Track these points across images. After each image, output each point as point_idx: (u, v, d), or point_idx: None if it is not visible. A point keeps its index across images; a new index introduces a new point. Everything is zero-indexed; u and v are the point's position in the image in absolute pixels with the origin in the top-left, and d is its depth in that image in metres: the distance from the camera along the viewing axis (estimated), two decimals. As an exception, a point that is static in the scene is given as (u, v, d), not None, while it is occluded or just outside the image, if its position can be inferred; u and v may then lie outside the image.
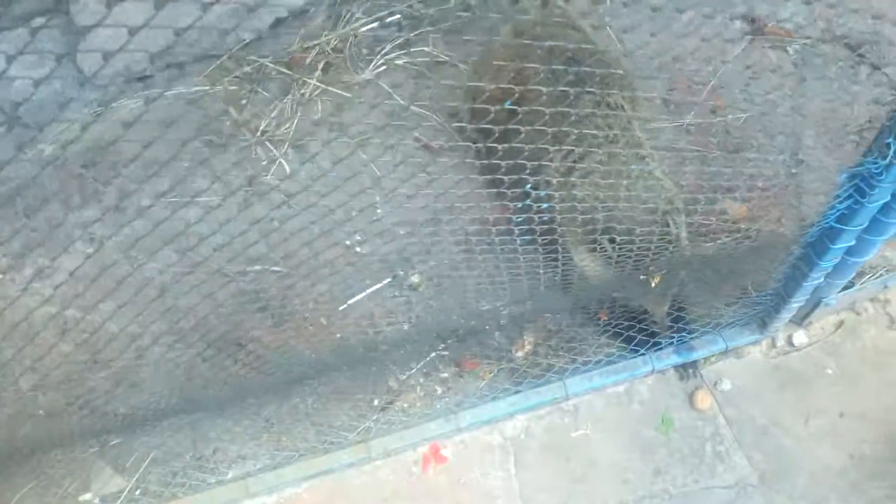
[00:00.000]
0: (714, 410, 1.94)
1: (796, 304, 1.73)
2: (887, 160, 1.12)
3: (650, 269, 1.56)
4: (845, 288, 1.87)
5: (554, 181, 1.70)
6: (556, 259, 1.56)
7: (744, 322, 1.93)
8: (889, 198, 1.25)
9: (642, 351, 1.92)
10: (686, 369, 1.98)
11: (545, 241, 1.53)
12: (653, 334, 1.89)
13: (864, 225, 1.33)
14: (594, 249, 1.58)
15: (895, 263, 1.98)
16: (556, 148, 1.73)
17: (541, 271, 1.59)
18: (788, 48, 2.33)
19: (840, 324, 2.02)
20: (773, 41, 2.33)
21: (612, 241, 1.52)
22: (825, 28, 2.31)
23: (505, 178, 1.31)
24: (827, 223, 1.34)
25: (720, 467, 1.89)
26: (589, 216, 1.54)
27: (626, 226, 1.50)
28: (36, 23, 2.28)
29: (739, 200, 2.11)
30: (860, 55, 2.26)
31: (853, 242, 1.40)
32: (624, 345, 1.94)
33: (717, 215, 2.05)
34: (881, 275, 1.95)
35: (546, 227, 1.51)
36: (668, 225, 1.54)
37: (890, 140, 1.09)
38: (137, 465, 2.02)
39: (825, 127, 2.20)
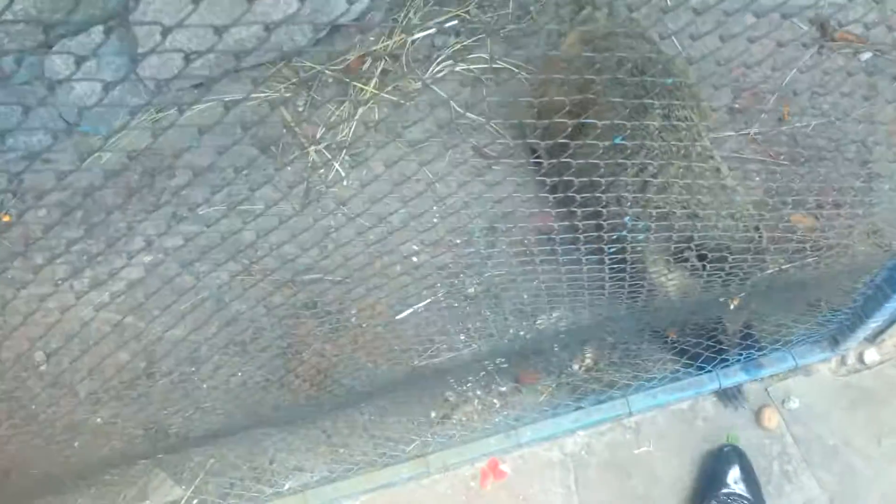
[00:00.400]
0: (781, 429, 1.89)
1: (874, 323, 1.67)
2: None
3: (738, 286, 1.51)
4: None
5: (629, 196, 1.67)
6: (635, 277, 1.51)
7: (814, 339, 1.88)
8: None
9: (709, 368, 1.87)
10: (729, 397, 1.93)
11: (624, 259, 1.48)
12: (720, 351, 1.84)
13: (960, 247, 1.27)
14: (680, 265, 1.54)
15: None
16: (631, 162, 1.70)
17: (618, 289, 1.55)
18: (859, 55, 2.26)
19: (914, 341, 1.96)
20: (843, 48, 2.27)
21: (701, 256, 1.47)
22: (898, 34, 2.23)
23: (573, 193, 1.27)
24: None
25: (788, 487, 1.84)
26: (673, 231, 1.49)
27: (717, 241, 1.46)
28: (96, 30, 2.29)
29: (808, 213, 2.06)
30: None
31: (947, 264, 1.35)
32: (690, 362, 1.89)
33: (785, 229, 2.00)
34: (961, 292, 1.88)
35: (622, 244, 1.48)
36: (760, 240, 1.50)
37: None
38: (195, 475, 2.02)
39: (897, 137, 2.14)
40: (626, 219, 1.32)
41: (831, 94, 2.20)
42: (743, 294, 1.53)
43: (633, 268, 1.56)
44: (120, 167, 2.34)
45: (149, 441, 2.05)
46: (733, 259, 1.46)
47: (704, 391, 1.89)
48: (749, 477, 1.79)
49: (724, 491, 1.76)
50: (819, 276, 1.79)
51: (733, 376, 1.88)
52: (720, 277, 1.51)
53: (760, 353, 1.87)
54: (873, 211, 2.03)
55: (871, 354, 1.94)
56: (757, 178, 2.14)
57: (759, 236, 1.54)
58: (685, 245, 1.47)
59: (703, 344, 1.82)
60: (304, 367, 2.03)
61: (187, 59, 0.85)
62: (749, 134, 2.16)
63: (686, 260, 1.53)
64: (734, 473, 1.78)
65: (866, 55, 2.24)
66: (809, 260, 1.81)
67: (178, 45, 2.24)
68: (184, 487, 2.03)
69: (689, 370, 1.90)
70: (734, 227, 1.56)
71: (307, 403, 1.93)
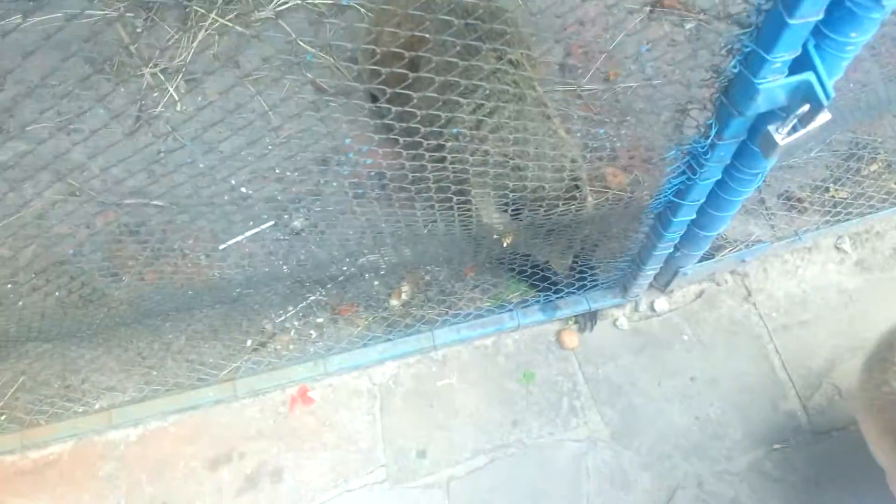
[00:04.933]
0: (574, 367, 2.03)
1: (651, 271, 1.80)
2: (709, 140, 1.18)
3: (556, 227, 1.61)
4: (705, 259, 1.97)
5: (465, 132, 1.73)
6: (452, 211, 1.58)
7: (607, 285, 2.01)
8: (721, 175, 1.32)
9: (540, 298, 2.00)
10: (587, 320, 2.08)
11: (445, 193, 1.54)
12: (554, 283, 1.96)
13: (701, 200, 1.39)
14: (503, 207, 1.63)
15: (755, 238, 2.08)
16: (466, 102, 1.75)
17: (435, 222, 1.62)
18: (684, 23, 2.38)
19: (700, 293, 2.12)
20: (670, 14, 2.38)
21: (520, 206, 1.56)
22: (720, 4, 2.36)
23: (403, 125, 1.30)
24: (666, 197, 1.40)
25: (574, 421, 1.98)
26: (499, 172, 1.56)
27: (535, 183, 1.53)
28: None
29: (620, 169, 2.18)
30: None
31: (694, 216, 1.47)
32: (529, 288, 2.00)
33: (598, 181, 2.12)
34: (740, 249, 2.04)
35: (450, 178, 1.53)
36: (576, 186, 1.60)
37: (711, 121, 1.15)
38: (4, 392, 2.01)
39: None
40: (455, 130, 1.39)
41: (656, 59, 2.31)
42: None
43: (461, 205, 1.63)
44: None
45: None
46: (549, 207, 1.56)
47: (505, 329, 2.01)
48: None
49: None
50: (615, 223, 1.90)
51: (531, 315, 2.00)
52: (537, 215, 1.60)
53: (593, 287, 1.99)
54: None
55: (662, 303, 2.09)
56: (578, 134, 2.24)
57: (573, 172, 1.64)
58: (507, 195, 1.55)
59: (538, 275, 1.93)
60: (119, 284, 2.03)
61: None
62: (575, 90, 2.25)
63: (507, 206, 1.62)
64: None
65: (691, 24, 2.37)
66: (608, 206, 1.93)
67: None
68: (-9, 403, 2.01)
69: (492, 308, 2.00)
70: (558, 178, 1.66)
71: (117, 315, 1.93)
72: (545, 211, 1.59)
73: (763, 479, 1.94)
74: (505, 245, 1.65)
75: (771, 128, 1.10)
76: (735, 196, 1.39)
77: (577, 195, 1.67)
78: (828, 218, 2.09)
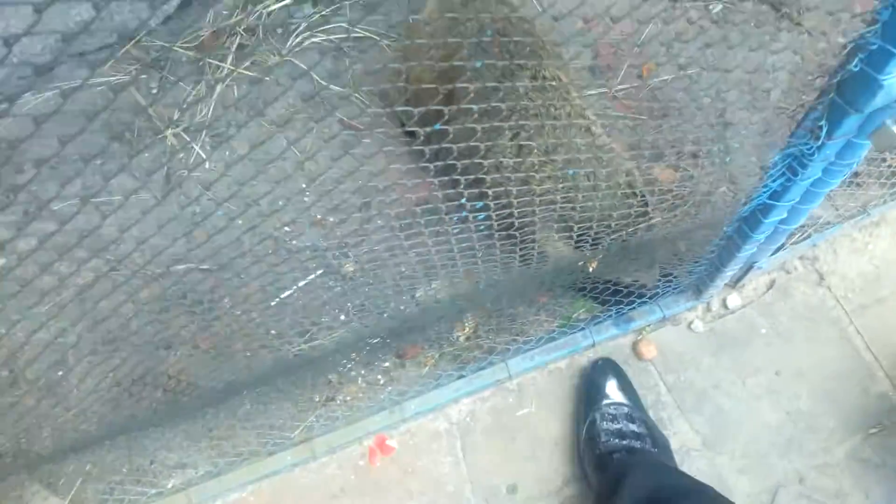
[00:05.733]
0: (655, 377, 1.96)
1: (730, 272, 1.74)
2: (819, 141, 1.11)
3: (627, 243, 1.55)
4: (776, 250, 1.90)
5: (505, 163, 1.66)
6: (514, 244, 1.52)
7: (679, 290, 1.94)
8: (820, 173, 1.25)
9: (611, 312, 1.93)
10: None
11: (502, 227, 1.47)
12: (627, 295, 1.89)
13: (797, 200, 1.33)
14: (568, 237, 1.56)
15: (822, 221, 2.01)
16: (507, 125, 1.69)
17: (495, 257, 1.55)
18: (710, 7, 2.31)
19: (771, 283, 2.06)
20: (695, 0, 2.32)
21: (584, 230, 1.50)
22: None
23: (454, 164, 1.24)
24: (760, 200, 1.34)
25: (664, 434, 1.91)
26: (551, 204, 1.50)
27: (594, 208, 1.47)
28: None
29: (669, 167, 2.11)
30: (778, 10, 2.27)
31: (785, 215, 1.40)
32: (597, 304, 1.95)
33: (648, 183, 2.05)
34: (809, 234, 1.98)
35: (504, 213, 1.47)
36: (637, 195, 1.53)
37: (822, 123, 1.08)
38: (72, 483, 1.93)
39: (749, 86, 2.21)
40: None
41: (687, 48, 2.24)
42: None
43: (523, 234, 1.56)
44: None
45: (19, 448, 1.95)
46: (616, 225, 1.49)
47: (580, 349, 1.94)
48: (625, 385, 1.88)
49: (605, 402, 1.83)
50: (684, 228, 1.84)
51: (606, 331, 1.93)
52: (604, 237, 1.54)
53: (630, 307, 1.92)
54: (728, 160, 2.10)
55: (734, 299, 2.03)
56: (621, 136, 2.18)
57: (644, 203, 1.57)
58: (566, 222, 1.49)
59: (621, 292, 1.87)
60: (173, 357, 1.96)
61: (6, 43, 0.77)
62: (609, 91, 2.19)
63: (570, 230, 1.55)
64: (612, 383, 1.86)
65: (717, 7, 2.30)
66: (676, 213, 1.86)
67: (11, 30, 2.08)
68: (61, 497, 1.94)
69: (564, 330, 1.93)
70: (616, 195, 1.59)
71: (178, 391, 1.86)
72: (612, 232, 1.52)
73: (864, 467, 1.88)
74: (591, 270, 1.58)
75: (888, 121, 1.04)
76: (825, 188, 1.32)
77: (642, 209, 1.60)
78: (893, 190, 2.03)
